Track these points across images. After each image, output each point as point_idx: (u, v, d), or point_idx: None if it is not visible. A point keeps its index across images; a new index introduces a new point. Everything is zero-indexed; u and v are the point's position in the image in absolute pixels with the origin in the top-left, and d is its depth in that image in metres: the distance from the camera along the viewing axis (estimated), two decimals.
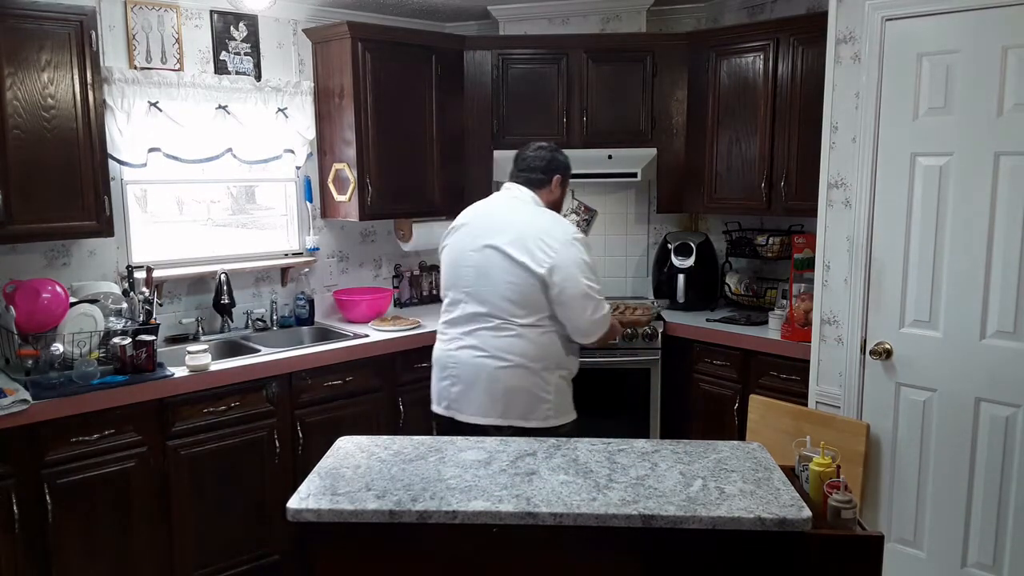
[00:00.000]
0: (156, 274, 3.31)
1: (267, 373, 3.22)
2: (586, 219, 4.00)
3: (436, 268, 4.54)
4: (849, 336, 3.05)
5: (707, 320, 3.87)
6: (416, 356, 3.70)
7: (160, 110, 3.35)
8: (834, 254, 3.10)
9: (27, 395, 2.63)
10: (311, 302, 3.93)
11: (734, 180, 3.86)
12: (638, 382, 3.86)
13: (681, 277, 4.10)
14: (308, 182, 3.98)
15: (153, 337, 3.01)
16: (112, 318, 3.04)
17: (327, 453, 2.11)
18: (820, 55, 3.15)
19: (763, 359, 3.53)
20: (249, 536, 3.21)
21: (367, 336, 3.63)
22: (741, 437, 3.31)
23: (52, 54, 2.84)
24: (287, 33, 3.84)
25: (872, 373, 3.01)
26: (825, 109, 3.06)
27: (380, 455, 2.08)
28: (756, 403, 2.89)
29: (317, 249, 4.02)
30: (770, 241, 3.87)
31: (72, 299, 2.97)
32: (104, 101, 3.11)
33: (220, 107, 3.55)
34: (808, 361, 3.23)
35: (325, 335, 3.77)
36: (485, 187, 4.10)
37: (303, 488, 1.88)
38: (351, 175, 3.80)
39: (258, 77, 3.71)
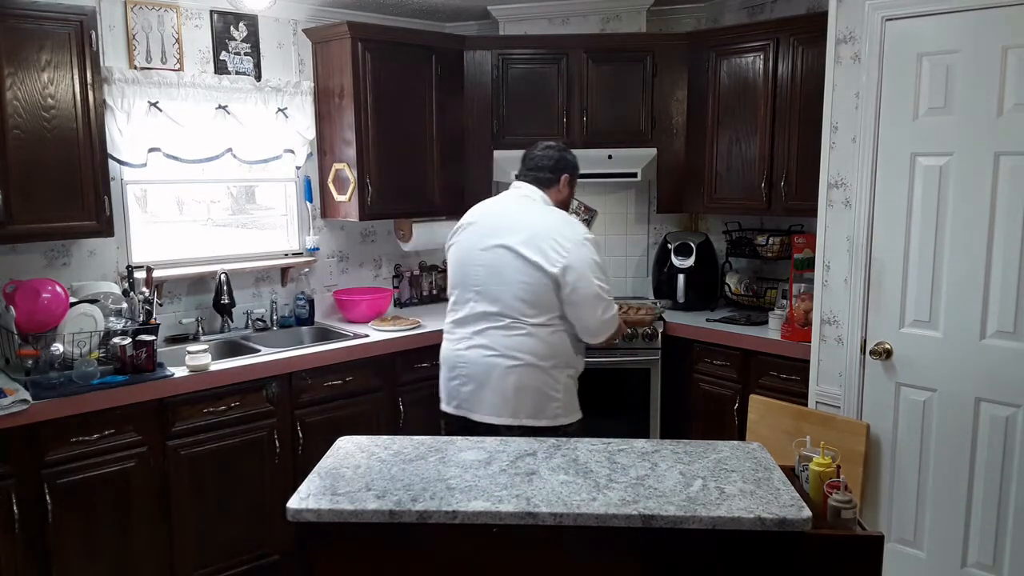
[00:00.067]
0: (156, 274, 3.31)
1: (267, 373, 3.22)
2: (586, 219, 3.98)
3: (436, 268, 4.54)
4: (849, 336, 3.05)
5: (707, 320, 3.87)
6: (416, 356, 3.70)
7: (160, 110, 3.35)
8: (834, 254, 3.10)
9: (27, 395, 2.63)
10: (311, 302, 3.93)
11: (734, 180, 3.86)
12: (638, 382, 3.86)
13: (681, 277, 4.10)
14: (308, 182, 3.98)
15: (153, 337, 3.01)
16: (112, 318, 3.04)
17: (327, 453, 2.11)
18: (820, 55, 3.15)
19: (763, 359, 3.52)
20: (249, 536, 3.21)
21: (367, 336, 3.63)
22: (741, 437, 3.31)
23: (52, 54, 2.84)
24: (287, 33, 3.84)
25: (872, 373, 3.01)
26: (825, 109, 3.06)
27: (380, 455, 2.08)
28: (756, 403, 2.89)
29: (317, 249, 4.02)
30: (770, 241, 3.87)
31: (72, 299, 2.97)
32: (104, 101, 3.11)
33: (220, 107, 3.55)
34: (808, 361, 3.23)
35: (325, 335, 3.77)
36: (485, 187, 4.11)
37: (303, 488, 1.88)
38: (351, 175, 3.80)
39: (258, 77, 3.71)
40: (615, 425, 3.44)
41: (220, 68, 3.60)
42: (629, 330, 3.69)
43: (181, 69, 3.47)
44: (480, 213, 2.71)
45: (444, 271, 4.53)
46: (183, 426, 3.00)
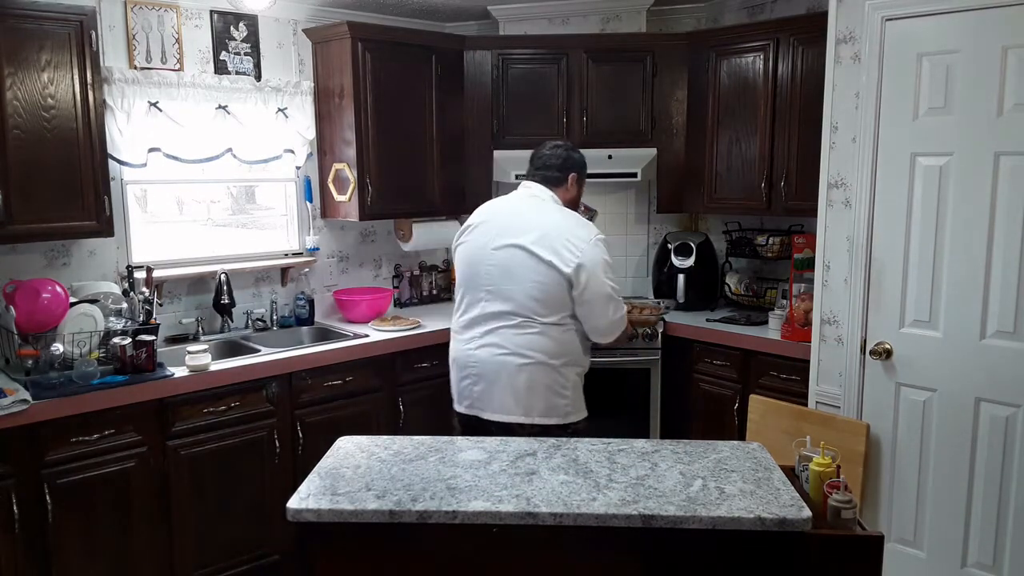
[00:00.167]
0: (156, 274, 3.31)
1: (267, 373, 3.22)
2: (586, 219, 3.99)
3: (436, 268, 4.54)
4: (849, 336, 3.05)
5: (707, 320, 3.87)
6: (416, 356, 3.70)
7: (160, 110, 3.35)
8: (834, 254, 3.10)
9: (27, 395, 2.63)
10: (311, 302, 3.93)
11: (734, 180, 3.86)
12: (638, 382, 3.86)
13: (681, 277, 4.10)
14: (308, 182, 3.98)
15: (153, 337, 3.01)
16: (112, 318, 3.04)
17: (327, 453, 2.11)
18: (820, 55, 3.15)
19: (763, 359, 3.53)
20: (249, 536, 3.21)
21: (367, 336, 3.63)
22: (741, 437, 3.31)
23: (52, 54, 2.84)
24: (287, 33, 3.84)
25: (872, 373, 3.01)
26: (825, 109, 3.06)
27: (380, 455, 2.08)
28: (756, 403, 2.89)
29: (317, 249, 4.02)
30: (770, 241, 3.87)
31: (72, 299, 2.97)
32: (104, 101, 3.11)
33: (220, 107, 3.55)
34: (808, 361, 3.23)
35: (325, 335, 3.77)
36: (485, 187, 4.11)
37: (303, 488, 1.88)
38: (351, 175, 3.80)
39: (258, 77, 3.71)
40: (615, 425, 3.44)
41: (220, 68, 3.60)
42: (637, 330, 3.69)
43: (181, 69, 3.47)
44: (489, 213, 2.71)
45: (444, 271, 4.54)
46: (183, 426, 3.00)
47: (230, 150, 3.59)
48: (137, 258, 3.42)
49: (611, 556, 1.80)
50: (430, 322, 3.87)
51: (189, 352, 3.07)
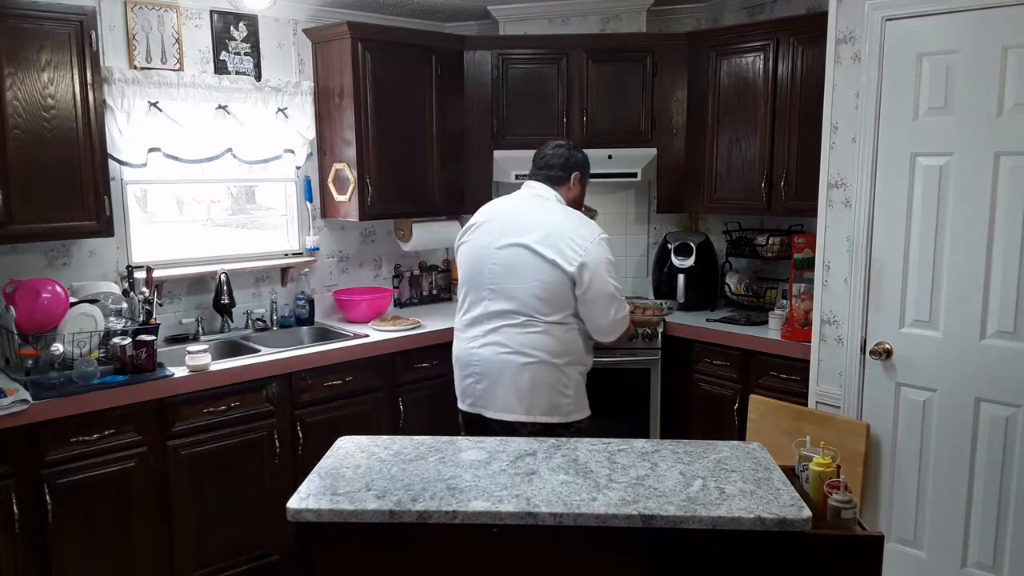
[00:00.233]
0: (156, 274, 3.31)
1: (267, 373, 3.22)
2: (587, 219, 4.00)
3: (436, 268, 4.54)
4: (849, 336, 3.05)
5: (707, 320, 3.87)
6: (416, 356, 3.70)
7: (160, 110, 3.35)
8: (834, 254, 3.10)
9: (27, 395, 2.63)
10: (311, 302, 3.93)
11: (734, 180, 3.86)
12: (638, 382, 3.86)
13: (681, 277, 4.10)
14: (308, 182, 3.98)
15: (153, 337, 3.01)
16: (112, 318, 3.04)
17: (327, 453, 2.11)
18: (820, 55, 3.15)
19: (763, 359, 3.52)
20: (249, 536, 3.21)
21: (367, 336, 3.63)
22: (741, 437, 3.31)
23: (52, 54, 2.84)
24: (287, 33, 3.84)
25: (872, 373, 3.01)
26: (825, 109, 3.06)
27: (380, 455, 2.08)
28: (756, 403, 2.89)
29: (317, 249, 4.02)
30: (770, 241, 3.87)
31: (72, 299, 2.97)
32: (104, 101, 3.11)
33: (220, 107, 3.55)
34: (808, 361, 3.23)
35: (325, 335, 3.77)
36: (485, 187, 4.11)
37: (303, 488, 1.88)
38: (351, 175, 3.80)
39: (258, 77, 3.71)
40: (615, 425, 3.44)
41: (220, 68, 3.60)
42: (638, 330, 3.69)
43: (181, 69, 3.47)
44: (492, 212, 2.71)
45: (444, 271, 4.54)
46: (183, 426, 3.00)
47: (230, 150, 3.59)
48: (137, 258, 3.42)
49: (611, 556, 1.80)
50: (430, 322, 3.87)
51: (189, 352, 3.07)
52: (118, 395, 2.81)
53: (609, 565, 1.82)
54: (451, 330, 2.79)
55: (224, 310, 3.61)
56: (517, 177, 3.93)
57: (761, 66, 3.68)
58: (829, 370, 3.15)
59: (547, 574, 1.84)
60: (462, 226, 2.78)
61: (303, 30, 3.88)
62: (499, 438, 2.24)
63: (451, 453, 2.09)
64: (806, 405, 3.20)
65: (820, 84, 3.11)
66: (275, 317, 3.84)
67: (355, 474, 1.96)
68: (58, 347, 2.86)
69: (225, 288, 3.56)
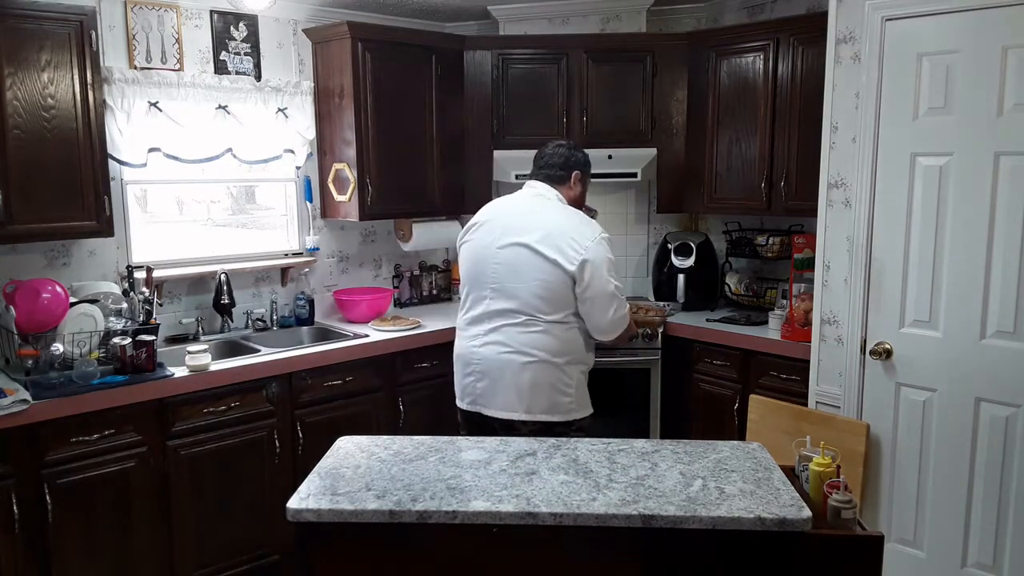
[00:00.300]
0: (156, 274, 3.31)
1: (267, 373, 3.22)
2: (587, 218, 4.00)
3: (436, 268, 4.54)
4: (849, 336, 3.05)
5: (707, 320, 3.87)
6: (416, 356, 3.70)
7: (160, 110, 3.35)
8: (834, 254, 3.10)
9: (27, 395, 2.63)
10: (311, 302, 3.93)
11: (734, 180, 3.86)
12: (638, 382, 3.86)
13: (681, 277, 4.10)
14: (308, 182, 3.98)
15: (153, 337, 3.01)
16: (112, 318, 3.04)
17: (327, 453, 2.11)
18: (820, 55, 3.15)
19: (763, 359, 3.52)
20: (249, 536, 3.21)
21: (367, 336, 3.63)
22: (741, 437, 3.31)
23: (52, 54, 2.84)
24: (287, 33, 3.84)
25: (872, 373, 3.01)
26: (825, 109, 3.06)
27: (380, 455, 2.08)
28: (756, 403, 2.89)
29: (317, 249, 4.02)
30: (770, 241, 3.87)
31: (72, 299, 2.97)
32: (104, 101, 3.11)
33: (220, 107, 3.55)
34: (808, 361, 3.23)
35: (325, 335, 3.77)
36: (485, 187, 4.11)
37: (303, 488, 1.88)
38: (351, 175, 3.80)
39: (258, 77, 3.71)
40: (615, 425, 3.44)
41: (220, 68, 3.60)
42: (639, 330, 3.69)
43: (181, 69, 3.47)
44: (494, 211, 2.72)
45: (444, 271, 4.54)
46: (183, 426, 3.00)
47: (230, 150, 3.59)
48: (137, 258, 3.42)
49: (611, 556, 1.80)
50: (430, 322, 3.87)
51: (189, 352, 3.07)
52: (118, 395, 2.81)
53: (609, 565, 1.82)
54: (451, 330, 2.79)
55: (224, 310, 3.61)
56: (517, 177, 3.93)
57: (761, 66, 3.68)
58: (829, 370, 3.15)
59: (547, 574, 1.84)
60: (462, 226, 2.78)
61: (303, 30, 3.88)
62: (499, 438, 2.24)
63: (451, 453, 2.09)
64: (806, 405, 3.20)
65: (820, 84, 3.11)
66: (275, 317, 3.84)
67: (355, 474, 1.96)
68: (58, 347, 2.86)
69: (225, 288, 3.56)
